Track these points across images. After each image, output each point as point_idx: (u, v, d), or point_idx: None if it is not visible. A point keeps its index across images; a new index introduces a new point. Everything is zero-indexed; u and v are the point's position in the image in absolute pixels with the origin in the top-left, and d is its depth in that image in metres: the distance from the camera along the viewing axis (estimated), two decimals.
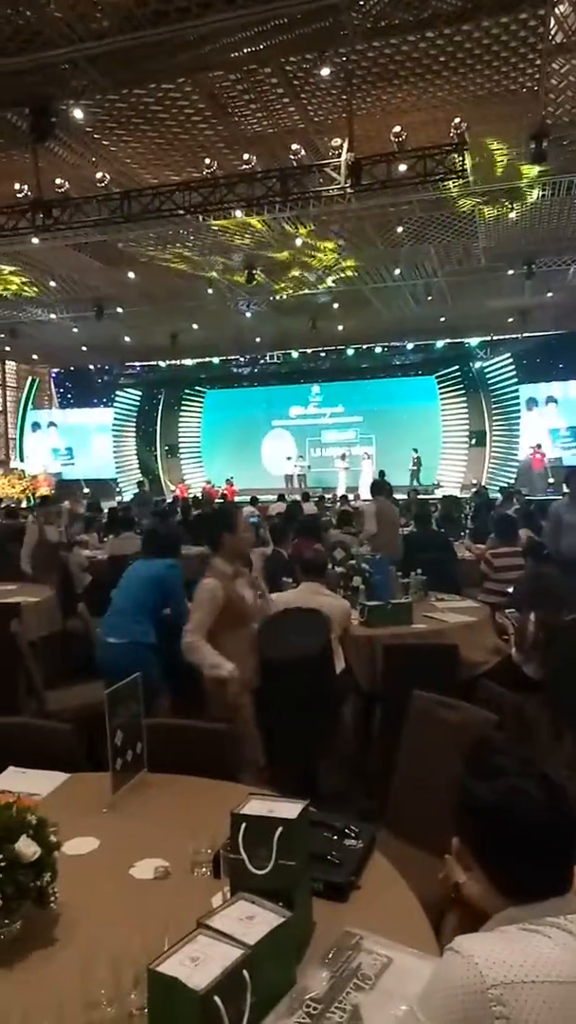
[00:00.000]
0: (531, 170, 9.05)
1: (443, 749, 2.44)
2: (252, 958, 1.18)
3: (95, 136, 8.34)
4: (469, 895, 1.35)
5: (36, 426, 21.97)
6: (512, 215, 10.59)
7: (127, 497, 19.98)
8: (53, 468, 21.31)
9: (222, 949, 1.20)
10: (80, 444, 21.93)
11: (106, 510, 13.15)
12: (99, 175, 8.56)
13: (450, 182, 8.57)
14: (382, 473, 18.04)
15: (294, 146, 8.22)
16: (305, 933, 1.42)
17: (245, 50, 6.78)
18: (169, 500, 17.77)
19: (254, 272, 12.60)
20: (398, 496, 13.52)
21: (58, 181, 8.64)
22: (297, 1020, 1.21)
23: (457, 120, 7.61)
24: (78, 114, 7.64)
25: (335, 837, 1.74)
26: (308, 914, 1.45)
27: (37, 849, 1.47)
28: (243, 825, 1.40)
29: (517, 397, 19.50)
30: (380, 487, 8.56)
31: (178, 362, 21.61)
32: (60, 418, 22.30)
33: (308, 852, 1.48)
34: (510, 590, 5.03)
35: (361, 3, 6.22)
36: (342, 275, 13.42)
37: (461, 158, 8.00)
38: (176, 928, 1.26)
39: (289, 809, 1.43)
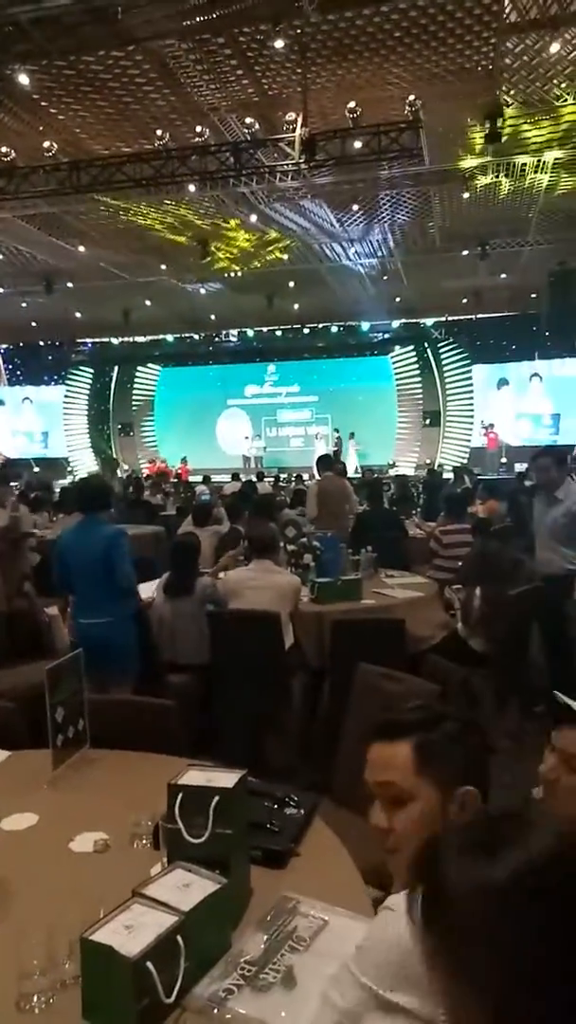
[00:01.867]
0: (484, 150, 9.07)
1: None
2: (186, 924, 1.19)
3: (42, 103, 8.08)
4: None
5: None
6: (466, 195, 10.64)
7: (79, 476, 19.68)
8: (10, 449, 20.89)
9: (156, 916, 1.21)
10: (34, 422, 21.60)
11: (57, 490, 12.97)
12: (47, 144, 8.33)
13: (404, 160, 8.57)
14: (335, 453, 18.11)
15: (248, 119, 8.11)
16: (242, 899, 1.44)
17: (198, 18, 6.63)
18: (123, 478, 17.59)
19: (208, 247, 12.43)
20: (351, 475, 13.58)
21: (4, 149, 8.38)
22: (231, 982, 1.22)
23: (412, 97, 7.60)
24: (24, 80, 7.38)
25: (275, 806, 1.75)
26: (245, 881, 1.47)
27: None
28: (180, 795, 1.40)
29: (470, 377, 19.68)
30: (328, 462, 8.25)
31: (131, 339, 21.25)
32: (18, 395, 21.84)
33: (246, 821, 1.49)
34: (459, 566, 5.11)
35: None
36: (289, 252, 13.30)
37: (416, 135, 8.00)
38: (113, 899, 1.25)
39: (226, 779, 1.44)
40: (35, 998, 1.22)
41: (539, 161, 9.63)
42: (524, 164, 9.75)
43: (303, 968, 1.25)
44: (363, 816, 2.18)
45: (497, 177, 10.15)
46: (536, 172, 9.99)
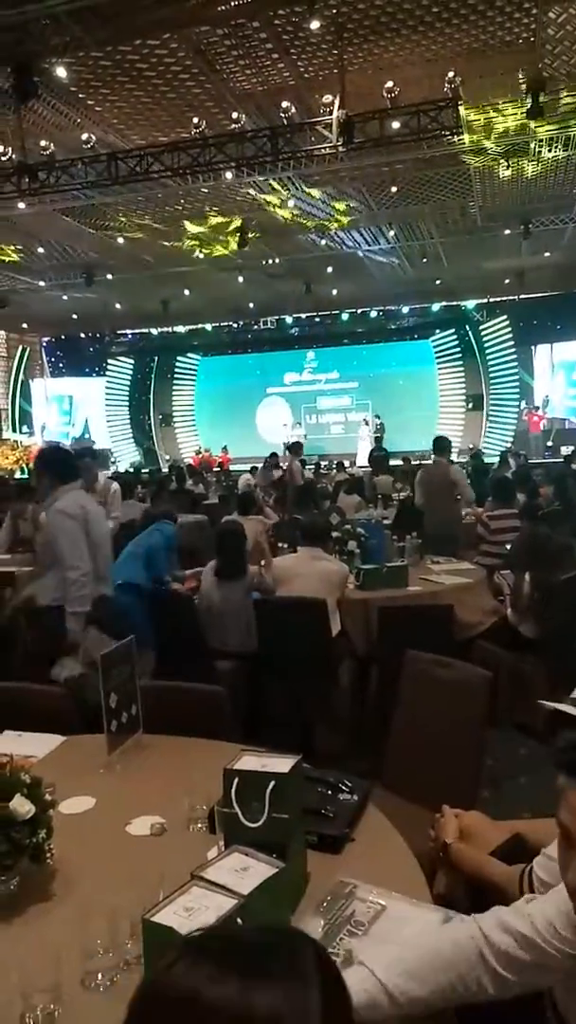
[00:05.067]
0: (528, 125, 8.84)
1: (438, 707, 2.46)
2: (245, 907, 1.19)
3: (79, 96, 8.12)
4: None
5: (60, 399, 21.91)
6: (508, 173, 10.39)
7: (122, 467, 19.91)
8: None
9: (216, 899, 1.22)
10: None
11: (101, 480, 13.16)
12: (84, 136, 8.37)
13: (444, 140, 8.40)
14: (378, 439, 17.94)
15: (284, 104, 8.03)
16: (299, 884, 1.44)
17: (233, 3, 6.58)
18: (165, 470, 17.74)
19: (247, 236, 12.38)
20: (393, 463, 13.48)
21: (43, 143, 8.45)
22: None
23: (451, 74, 7.44)
24: (61, 72, 7.43)
25: (329, 792, 1.75)
26: (302, 865, 1.47)
27: (31, 807, 1.47)
28: (235, 780, 1.41)
29: (515, 359, 19.33)
30: (443, 446, 7.59)
31: (170, 329, 21.36)
32: (62, 388, 22.22)
33: (301, 806, 1.49)
34: (507, 551, 5.04)
35: None
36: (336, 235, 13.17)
37: (455, 114, 7.83)
38: (171, 881, 1.27)
39: (281, 764, 1.44)
40: (99, 976, 1.25)
41: None
42: (568, 138, 9.48)
43: (363, 952, 1.25)
44: (414, 803, 2.18)
45: (540, 153, 9.89)
46: None
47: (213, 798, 1.61)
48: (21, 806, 1.46)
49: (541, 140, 9.45)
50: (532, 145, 9.59)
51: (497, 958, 1.14)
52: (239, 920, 1.18)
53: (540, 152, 9.85)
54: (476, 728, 2.32)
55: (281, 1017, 0.61)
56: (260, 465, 14.62)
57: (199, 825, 1.70)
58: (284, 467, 12.62)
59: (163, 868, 1.40)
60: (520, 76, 7.86)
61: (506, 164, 10.05)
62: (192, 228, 12.31)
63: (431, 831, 1.66)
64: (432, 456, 7.57)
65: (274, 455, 14.71)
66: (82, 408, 22.05)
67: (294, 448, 12.43)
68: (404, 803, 2.18)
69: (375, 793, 1.87)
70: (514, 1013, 1.38)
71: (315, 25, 6.82)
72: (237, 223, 12.12)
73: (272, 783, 1.38)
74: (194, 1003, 0.61)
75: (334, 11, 6.73)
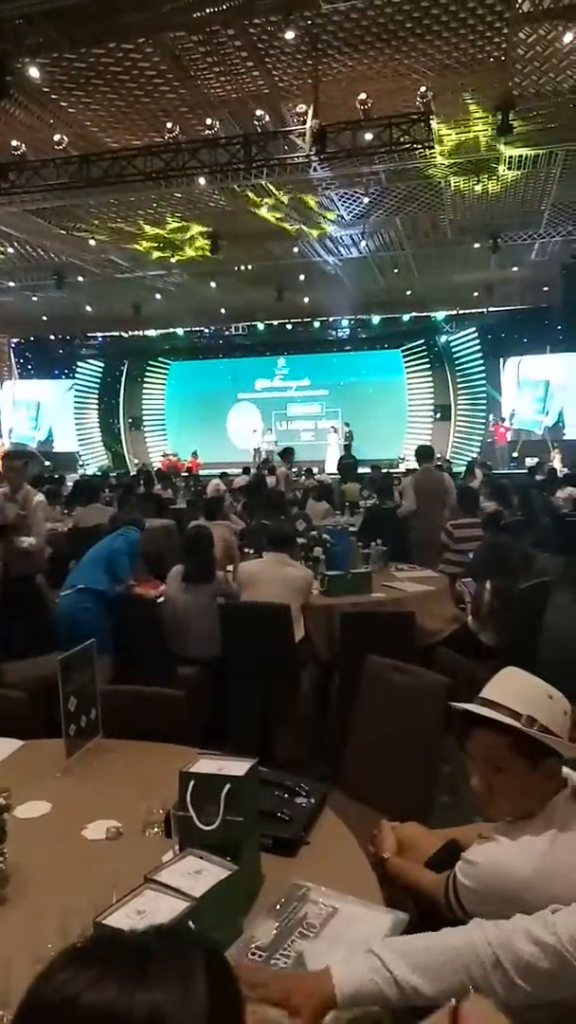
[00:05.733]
0: (497, 142, 9.00)
1: (397, 712, 2.49)
2: (197, 910, 1.20)
3: (52, 97, 8.08)
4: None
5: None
6: (478, 188, 10.57)
7: (90, 470, 19.74)
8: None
9: (168, 902, 1.22)
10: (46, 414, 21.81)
11: (70, 483, 13.05)
12: (57, 138, 8.33)
13: (416, 152, 8.51)
14: (347, 447, 18.05)
15: (258, 112, 8.08)
16: (253, 886, 1.45)
17: (208, 10, 6.60)
18: (133, 473, 17.62)
19: (219, 242, 12.41)
20: (361, 471, 13.58)
21: (14, 143, 8.38)
22: None
23: (423, 89, 7.55)
24: (34, 73, 7.38)
25: (286, 795, 1.77)
26: (256, 868, 1.48)
27: None
28: (191, 782, 1.41)
29: (483, 371, 19.62)
30: (428, 453, 7.77)
31: (141, 333, 21.27)
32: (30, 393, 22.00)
33: (256, 809, 1.51)
34: (469, 559, 5.11)
35: None
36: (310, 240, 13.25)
37: (427, 127, 7.95)
38: (125, 885, 1.27)
39: (237, 767, 1.46)
40: None
41: (551, 153, 9.55)
42: (537, 156, 9.67)
43: (313, 954, 1.26)
44: (372, 807, 2.20)
45: (508, 169, 10.08)
46: (548, 165, 9.91)
47: (170, 802, 1.61)
48: None
49: (510, 157, 9.63)
50: (501, 161, 9.77)
51: (516, 967, 1.16)
52: (191, 923, 1.19)
53: (508, 168, 10.04)
54: (434, 734, 2.35)
55: (164, 1016, 0.61)
56: (231, 471, 14.63)
57: (155, 829, 1.70)
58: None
59: (117, 872, 1.40)
60: (490, 93, 8.01)
61: (476, 179, 10.22)
62: (150, 230, 12.27)
63: (370, 847, 1.70)
64: (421, 464, 7.64)
65: (267, 461, 14.80)
66: (49, 414, 21.84)
67: (285, 454, 12.57)
68: (361, 807, 2.20)
69: (333, 797, 1.89)
70: None
71: (290, 35, 6.88)
72: (196, 229, 12.14)
73: (227, 786, 1.39)
74: (73, 1007, 0.61)
75: (309, 22, 6.80)
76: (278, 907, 1.38)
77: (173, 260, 13.93)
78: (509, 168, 10.05)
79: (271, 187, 10.28)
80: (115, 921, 1.18)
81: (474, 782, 1.53)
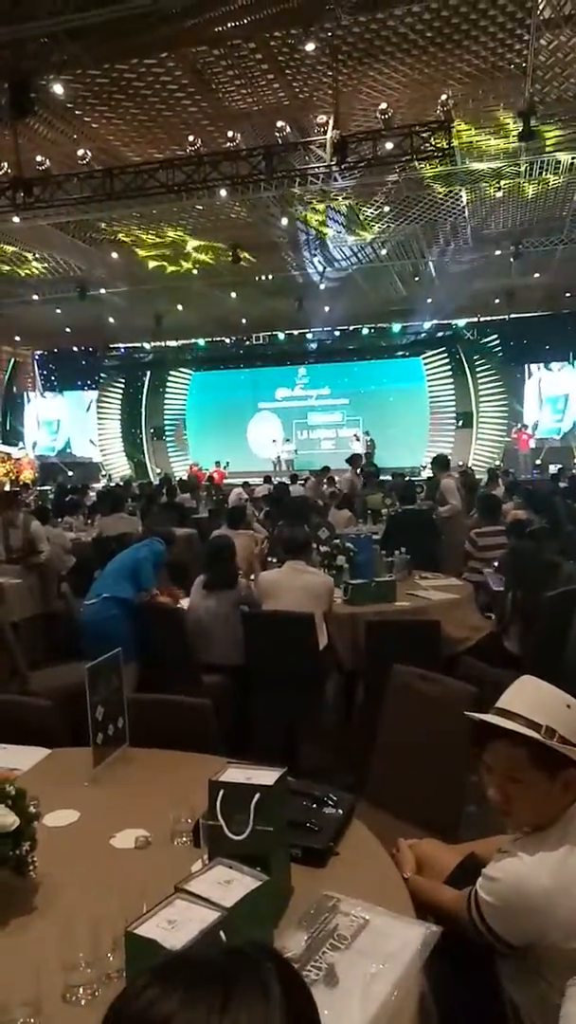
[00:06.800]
0: (518, 148, 8.98)
1: (423, 721, 2.47)
2: (228, 920, 1.19)
3: (76, 112, 8.21)
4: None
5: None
6: (499, 195, 10.54)
7: (113, 481, 19.91)
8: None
9: (199, 912, 1.21)
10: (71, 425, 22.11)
11: (92, 493, 13.17)
12: (80, 152, 8.44)
13: (437, 161, 8.52)
14: (368, 456, 18.01)
15: (279, 123, 8.13)
16: (283, 897, 1.44)
17: (229, 24, 6.68)
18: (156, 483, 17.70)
19: (239, 252, 12.48)
20: (383, 479, 13.51)
21: (39, 158, 8.51)
22: None
23: (444, 97, 7.56)
24: (58, 90, 7.51)
25: (314, 805, 1.75)
26: (286, 878, 1.47)
27: (15, 819, 1.47)
28: (220, 792, 1.41)
29: (504, 378, 19.53)
30: (445, 463, 8.68)
31: (163, 344, 21.44)
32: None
33: (285, 818, 1.49)
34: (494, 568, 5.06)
35: None
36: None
37: (448, 135, 7.95)
38: (155, 894, 1.26)
39: (266, 776, 1.45)
40: (80, 990, 1.24)
41: (573, 160, 9.51)
42: (559, 162, 9.64)
43: (345, 966, 1.25)
44: (399, 817, 2.19)
45: (530, 176, 10.05)
46: (570, 172, 9.87)
47: (198, 811, 1.61)
48: (5, 817, 1.45)
49: (531, 164, 9.60)
50: (523, 168, 9.74)
51: None
52: (221, 933, 1.19)
53: (531, 175, 10.01)
54: (460, 743, 2.33)
55: None
56: (252, 480, 14.66)
57: (184, 838, 1.69)
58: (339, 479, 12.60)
59: (147, 881, 1.39)
60: (512, 100, 8.00)
61: (497, 186, 10.19)
62: (149, 240, 12.37)
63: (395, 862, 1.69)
64: (437, 473, 8.42)
65: (326, 468, 14.81)
66: (67, 425, 22.15)
67: (353, 460, 12.39)
68: (389, 817, 2.18)
69: (360, 807, 1.87)
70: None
71: (310, 47, 6.94)
72: (194, 243, 12.26)
73: (257, 796, 1.38)
74: None
75: (329, 34, 6.84)
76: (308, 918, 1.37)
77: (195, 272, 14.04)
78: (530, 175, 10.02)
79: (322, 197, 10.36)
80: (146, 931, 1.17)
81: (491, 793, 1.52)
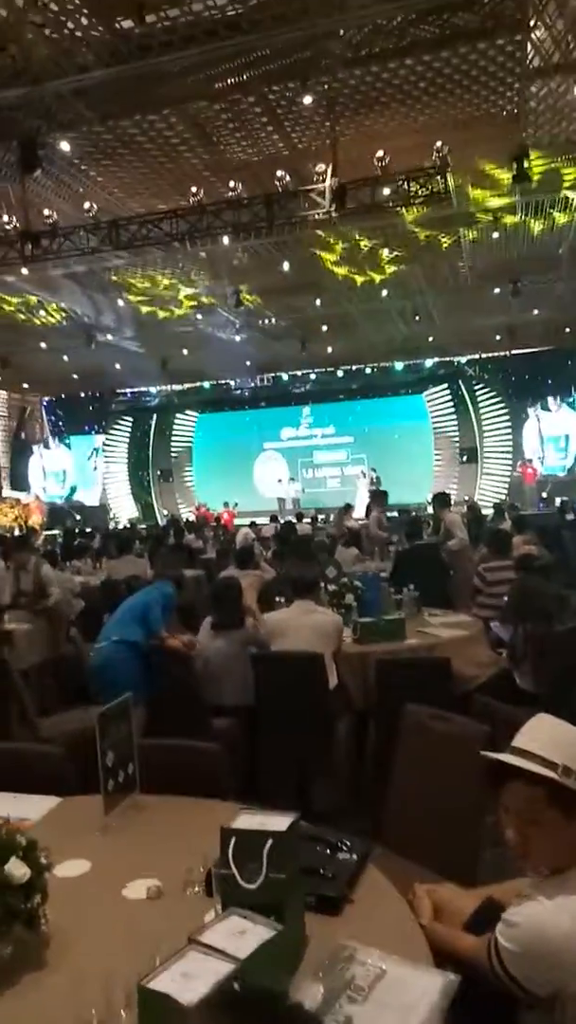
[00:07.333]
0: (512, 190, 9.18)
1: (437, 762, 2.44)
2: (243, 972, 1.18)
3: (82, 167, 8.46)
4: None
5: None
6: (495, 234, 10.74)
7: (121, 524, 19.98)
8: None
9: (213, 964, 1.20)
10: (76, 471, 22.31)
11: (97, 536, 13.21)
12: (87, 205, 8.67)
13: (433, 204, 8.70)
14: (374, 493, 18.00)
15: (279, 172, 8.34)
16: (298, 946, 1.41)
17: (228, 80, 6.92)
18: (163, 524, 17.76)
19: (240, 293, 12.69)
20: (388, 514, 13.48)
21: (46, 212, 8.73)
22: None
23: (439, 143, 7.75)
24: (65, 146, 7.76)
25: (328, 851, 1.73)
26: (300, 927, 1.44)
27: (27, 871, 1.46)
28: (232, 839, 1.39)
29: (507, 413, 19.64)
30: (447, 500, 8.89)
31: (168, 387, 21.73)
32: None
33: (299, 865, 1.48)
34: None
35: (341, 33, 6.36)
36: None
37: (444, 181, 8.13)
38: (168, 946, 1.25)
39: (279, 822, 1.43)
40: None
41: (567, 199, 9.71)
42: (553, 200, 9.84)
43: (362, 1019, 1.22)
44: (415, 862, 2.15)
45: (526, 217, 10.25)
46: (564, 211, 10.07)
47: (210, 859, 1.59)
48: (16, 870, 1.44)
49: (526, 205, 9.80)
50: (518, 210, 9.94)
51: None
52: (236, 986, 1.17)
53: (526, 214, 10.20)
54: (477, 784, 2.29)
55: None
56: (259, 520, 14.68)
57: (196, 888, 1.67)
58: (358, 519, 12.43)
59: (159, 933, 1.38)
60: (505, 145, 8.20)
61: (494, 227, 10.39)
62: (138, 285, 12.60)
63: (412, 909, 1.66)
64: (439, 510, 8.55)
65: (348, 506, 14.75)
66: (73, 476, 22.46)
67: (375, 497, 12.04)
68: (404, 862, 2.14)
69: (375, 852, 1.84)
70: None
71: (308, 100, 7.17)
72: (187, 291, 12.46)
73: (270, 842, 1.37)
74: None
75: (326, 86, 7.07)
76: (324, 969, 1.34)
77: (199, 317, 14.28)
78: (526, 216, 10.22)
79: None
80: (159, 985, 1.16)
81: (508, 834, 1.49)
